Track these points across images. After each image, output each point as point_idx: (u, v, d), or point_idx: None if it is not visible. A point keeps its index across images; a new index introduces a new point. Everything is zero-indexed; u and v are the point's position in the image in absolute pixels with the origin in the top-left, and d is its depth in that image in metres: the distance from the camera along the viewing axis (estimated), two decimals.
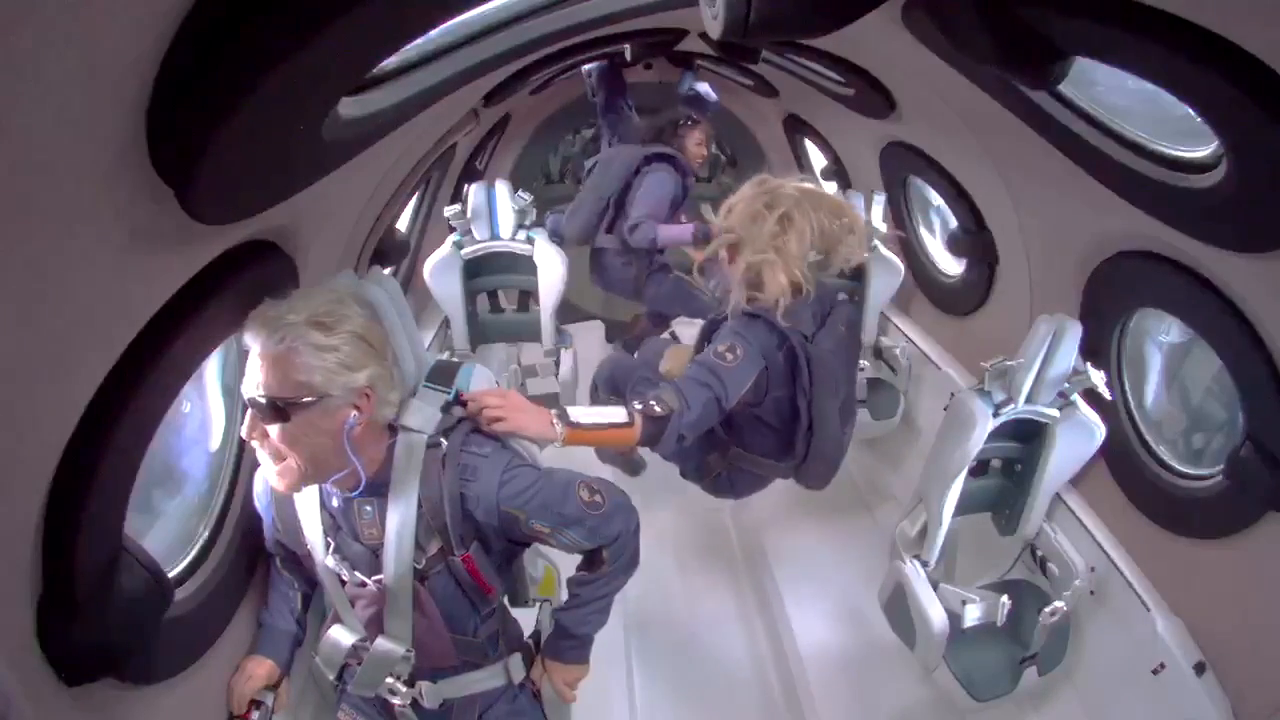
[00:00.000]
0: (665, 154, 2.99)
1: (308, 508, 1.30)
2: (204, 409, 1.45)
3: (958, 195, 2.48)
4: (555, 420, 1.43)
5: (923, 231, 3.09)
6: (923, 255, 3.05)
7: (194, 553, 1.34)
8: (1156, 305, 1.77)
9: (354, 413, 1.17)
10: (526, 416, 1.36)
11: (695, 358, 1.66)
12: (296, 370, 1.12)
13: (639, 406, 1.52)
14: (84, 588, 0.94)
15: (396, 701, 1.38)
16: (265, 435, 1.15)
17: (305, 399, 1.13)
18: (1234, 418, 1.63)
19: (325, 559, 1.30)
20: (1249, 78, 0.97)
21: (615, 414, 1.51)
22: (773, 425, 1.82)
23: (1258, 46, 0.94)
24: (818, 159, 4.00)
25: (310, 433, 1.15)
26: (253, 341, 1.13)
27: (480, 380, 1.38)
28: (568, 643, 1.44)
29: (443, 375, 1.34)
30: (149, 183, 0.81)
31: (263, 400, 1.12)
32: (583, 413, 1.49)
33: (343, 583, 1.32)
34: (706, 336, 1.82)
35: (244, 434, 1.16)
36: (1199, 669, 1.64)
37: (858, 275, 3.00)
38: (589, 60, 3.36)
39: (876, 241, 2.97)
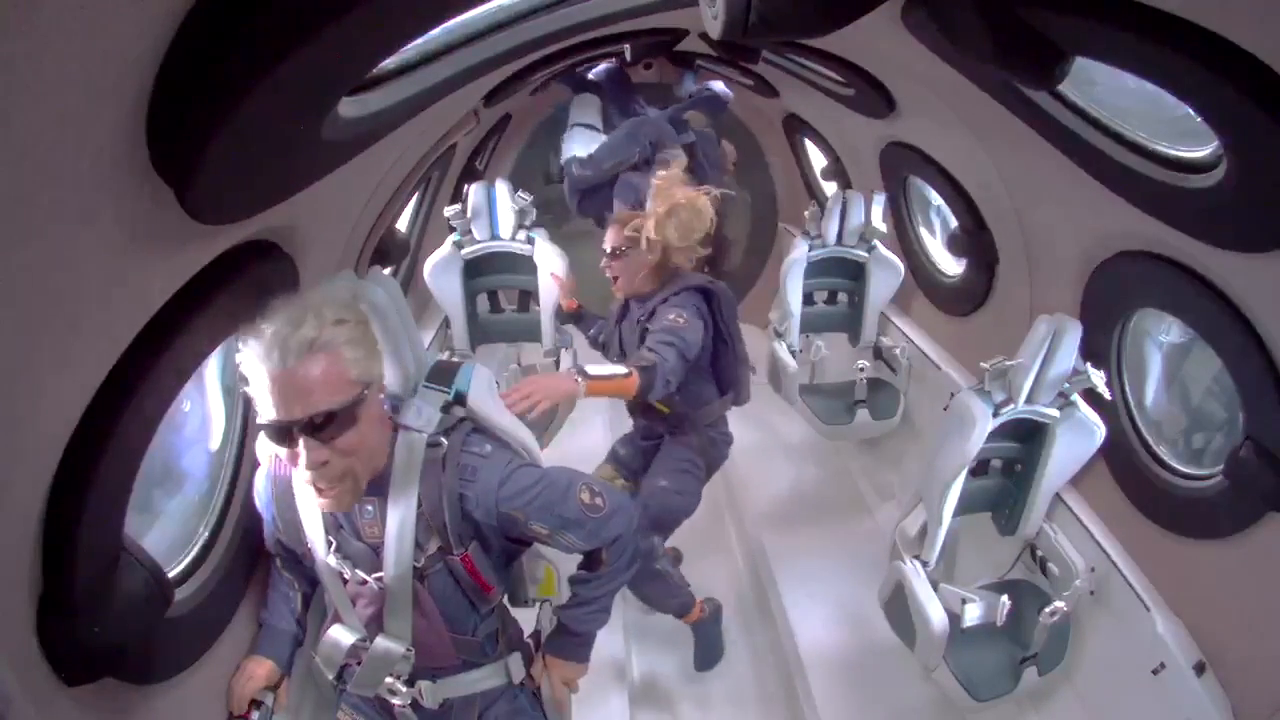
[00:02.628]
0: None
1: (309, 506, 1.30)
2: (204, 409, 1.45)
3: (958, 195, 2.48)
4: (577, 377, 1.79)
5: (923, 231, 3.09)
6: (923, 255, 3.05)
7: (194, 553, 1.35)
8: (1156, 305, 1.77)
9: (381, 395, 1.19)
10: (555, 390, 1.70)
11: (650, 334, 2.00)
12: (346, 369, 1.09)
13: (639, 362, 1.92)
14: (84, 587, 0.94)
15: (396, 701, 1.38)
16: (326, 460, 1.10)
17: (359, 395, 1.11)
18: (1234, 418, 1.63)
19: (327, 557, 1.30)
20: (1249, 78, 0.97)
21: (618, 368, 1.90)
22: (707, 366, 2.20)
23: (1258, 46, 0.94)
24: (818, 159, 4.00)
25: (367, 430, 1.14)
26: (278, 363, 1.04)
27: (480, 380, 1.38)
28: (569, 640, 1.45)
29: (442, 375, 1.34)
30: (149, 183, 0.81)
31: (325, 415, 1.06)
32: (596, 368, 1.87)
33: (344, 581, 1.32)
34: (642, 335, 2.08)
35: (307, 467, 1.09)
36: (1199, 669, 1.63)
37: (857, 275, 3.00)
38: (589, 60, 3.36)
39: (876, 241, 2.97)
